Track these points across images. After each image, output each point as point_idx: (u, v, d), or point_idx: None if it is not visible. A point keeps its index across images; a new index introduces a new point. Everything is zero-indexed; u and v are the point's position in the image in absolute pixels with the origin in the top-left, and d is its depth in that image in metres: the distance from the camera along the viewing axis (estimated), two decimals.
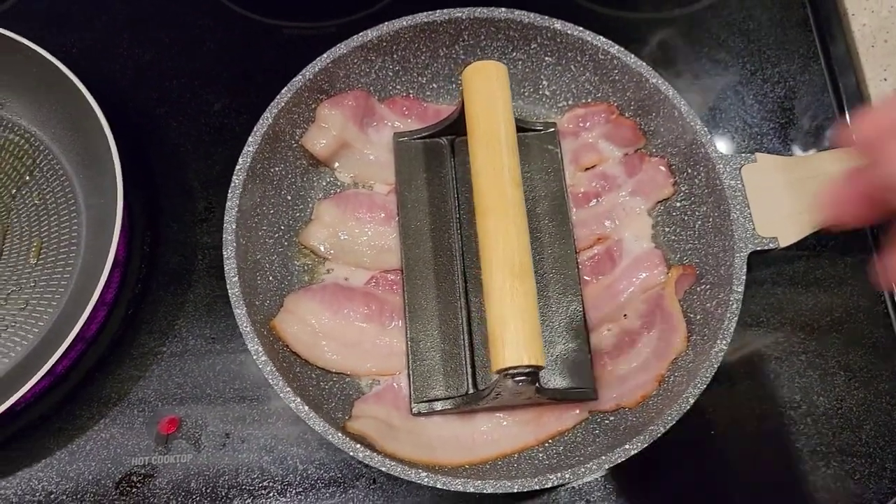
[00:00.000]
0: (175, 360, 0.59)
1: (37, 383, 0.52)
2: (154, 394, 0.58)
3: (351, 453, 0.49)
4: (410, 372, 0.56)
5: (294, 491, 0.56)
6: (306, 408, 0.50)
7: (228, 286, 0.52)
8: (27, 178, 0.63)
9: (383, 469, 0.49)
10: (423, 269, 0.58)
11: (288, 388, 0.50)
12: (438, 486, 0.48)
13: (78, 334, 0.53)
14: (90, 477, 0.56)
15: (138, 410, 0.58)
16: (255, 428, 0.57)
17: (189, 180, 0.65)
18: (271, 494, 0.56)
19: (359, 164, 0.62)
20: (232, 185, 0.55)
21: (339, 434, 0.49)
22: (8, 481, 0.56)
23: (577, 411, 0.56)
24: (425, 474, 0.49)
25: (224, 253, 0.53)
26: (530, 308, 0.47)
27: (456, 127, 0.60)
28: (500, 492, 0.48)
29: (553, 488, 0.56)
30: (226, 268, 0.53)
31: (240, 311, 0.52)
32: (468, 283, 0.58)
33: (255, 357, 0.51)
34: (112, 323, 0.60)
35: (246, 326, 0.52)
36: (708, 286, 0.57)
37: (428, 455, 0.53)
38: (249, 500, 0.55)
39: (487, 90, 0.53)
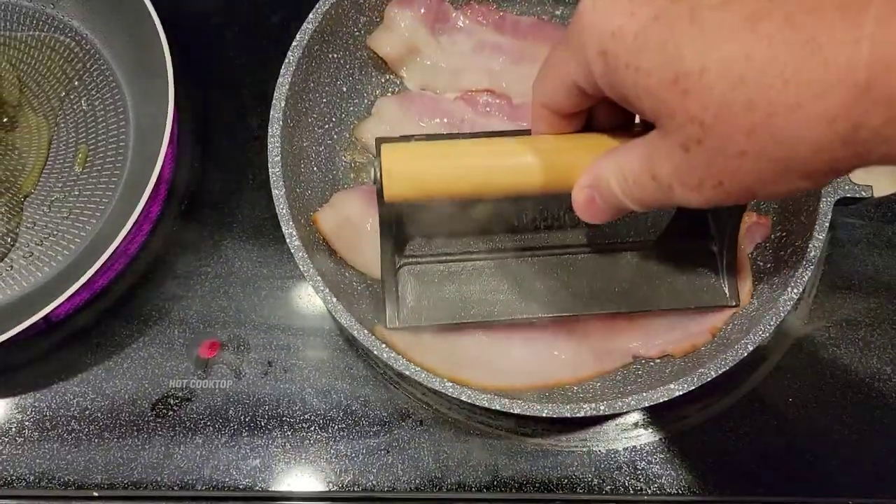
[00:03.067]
0: (219, 282, 0.56)
1: (74, 295, 0.49)
2: (196, 315, 0.55)
3: (375, 352, 0.46)
4: None
5: (336, 427, 0.53)
6: (335, 299, 0.46)
7: (270, 165, 0.49)
8: (76, 82, 0.60)
9: (407, 373, 0.45)
10: None
11: (318, 277, 0.47)
12: (463, 398, 0.45)
13: (119, 249, 0.50)
14: (126, 396, 0.53)
15: (179, 331, 0.55)
16: (299, 358, 0.54)
17: (243, 95, 0.61)
18: (312, 429, 0.53)
19: (428, 70, 0.58)
20: (286, 61, 0.51)
21: (366, 331, 0.46)
22: (43, 394, 0.54)
23: (621, 355, 0.51)
24: (450, 385, 0.45)
25: (269, 130, 0.50)
26: None
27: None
28: (529, 413, 0.45)
29: (614, 446, 0.52)
30: (269, 146, 0.50)
31: (278, 192, 0.49)
32: None
33: (288, 241, 0.48)
34: (156, 239, 0.57)
35: (283, 209, 0.48)
36: (784, 233, 0.52)
37: (454, 373, 0.49)
38: (290, 433, 0.53)
39: None
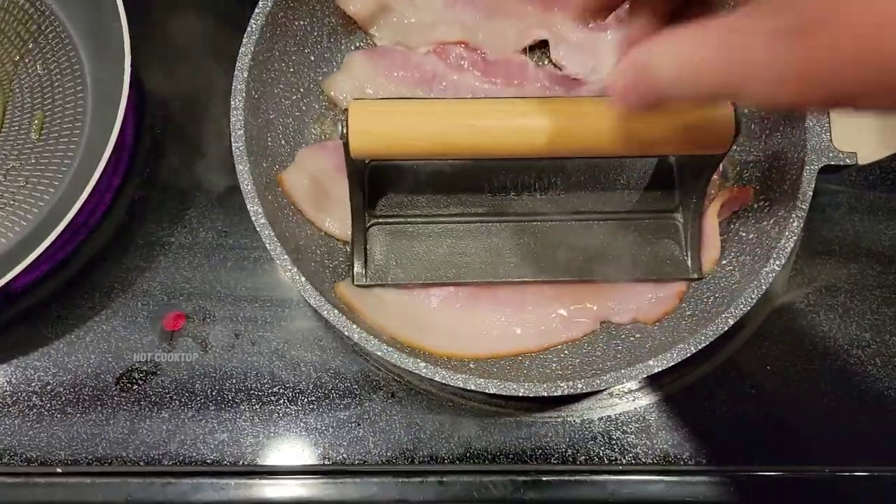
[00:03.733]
0: (184, 253, 0.55)
1: (32, 266, 0.48)
2: (160, 287, 0.54)
3: (346, 332, 0.45)
4: None
5: (306, 399, 0.52)
6: (303, 279, 0.45)
7: (233, 139, 0.47)
8: (31, 45, 0.58)
9: (379, 353, 0.44)
10: None
11: (286, 256, 0.45)
12: (437, 378, 0.44)
13: (79, 219, 0.49)
14: (89, 370, 0.52)
15: (142, 304, 0.53)
16: (266, 330, 0.53)
17: (209, 59, 0.58)
18: (281, 402, 0.52)
19: (400, 28, 0.56)
20: (248, 29, 0.49)
21: (335, 311, 0.45)
22: (2, 369, 0.52)
23: (589, 321, 0.51)
24: (424, 365, 0.44)
25: (231, 102, 0.48)
26: None
27: None
28: (504, 393, 0.44)
29: (589, 415, 0.52)
30: (231, 119, 0.48)
31: (242, 168, 0.47)
32: None
33: (254, 219, 0.46)
34: (118, 209, 0.55)
35: (247, 185, 0.47)
36: (767, 203, 0.50)
37: (415, 337, 0.48)
38: (258, 406, 0.51)
39: None
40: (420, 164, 0.53)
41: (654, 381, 0.52)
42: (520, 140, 0.43)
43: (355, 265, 0.50)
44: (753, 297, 0.46)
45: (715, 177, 0.53)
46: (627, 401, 0.52)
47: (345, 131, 0.42)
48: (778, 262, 0.46)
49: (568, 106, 0.44)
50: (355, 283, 0.50)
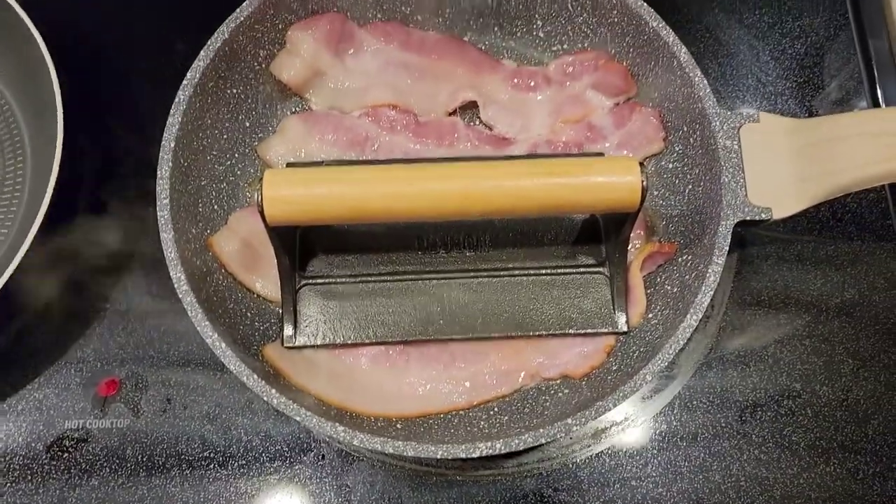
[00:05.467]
0: (117, 319, 0.55)
1: None
2: (93, 353, 0.54)
3: (265, 398, 0.44)
4: None
5: (236, 463, 0.52)
6: (223, 345, 0.46)
7: (158, 208, 0.48)
8: None
9: (298, 419, 0.44)
10: None
11: (206, 323, 0.46)
12: (355, 442, 0.44)
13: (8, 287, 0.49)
14: (19, 439, 0.52)
15: (76, 370, 0.54)
16: (198, 394, 0.53)
17: (146, 127, 0.60)
18: (212, 466, 0.51)
19: (334, 93, 0.57)
20: (176, 100, 0.50)
21: (255, 377, 0.45)
22: None
23: (520, 377, 0.51)
24: (342, 429, 0.44)
25: (158, 171, 0.49)
26: None
27: None
28: (423, 455, 0.44)
29: (520, 471, 0.51)
30: (157, 188, 0.49)
31: (166, 236, 0.48)
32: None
33: (176, 286, 0.46)
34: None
35: (171, 252, 0.47)
36: (690, 257, 0.51)
37: (341, 397, 0.49)
38: (188, 471, 0.51)
39: None
40: (350, 225, 0.53)
41: (584, 438, 0.53)
42: (431, 205, 0.44)
43: (285, 327, 0.51)
44: (671, 352, 0.46)
45: (642, 231, 0.54)
46: (559, 458, 0.52)
47: (260, 199, 0.43)
48: (695, 318, 0.47)
49: (479, 170, 0.45)
50: (285, 344, 0.50)
